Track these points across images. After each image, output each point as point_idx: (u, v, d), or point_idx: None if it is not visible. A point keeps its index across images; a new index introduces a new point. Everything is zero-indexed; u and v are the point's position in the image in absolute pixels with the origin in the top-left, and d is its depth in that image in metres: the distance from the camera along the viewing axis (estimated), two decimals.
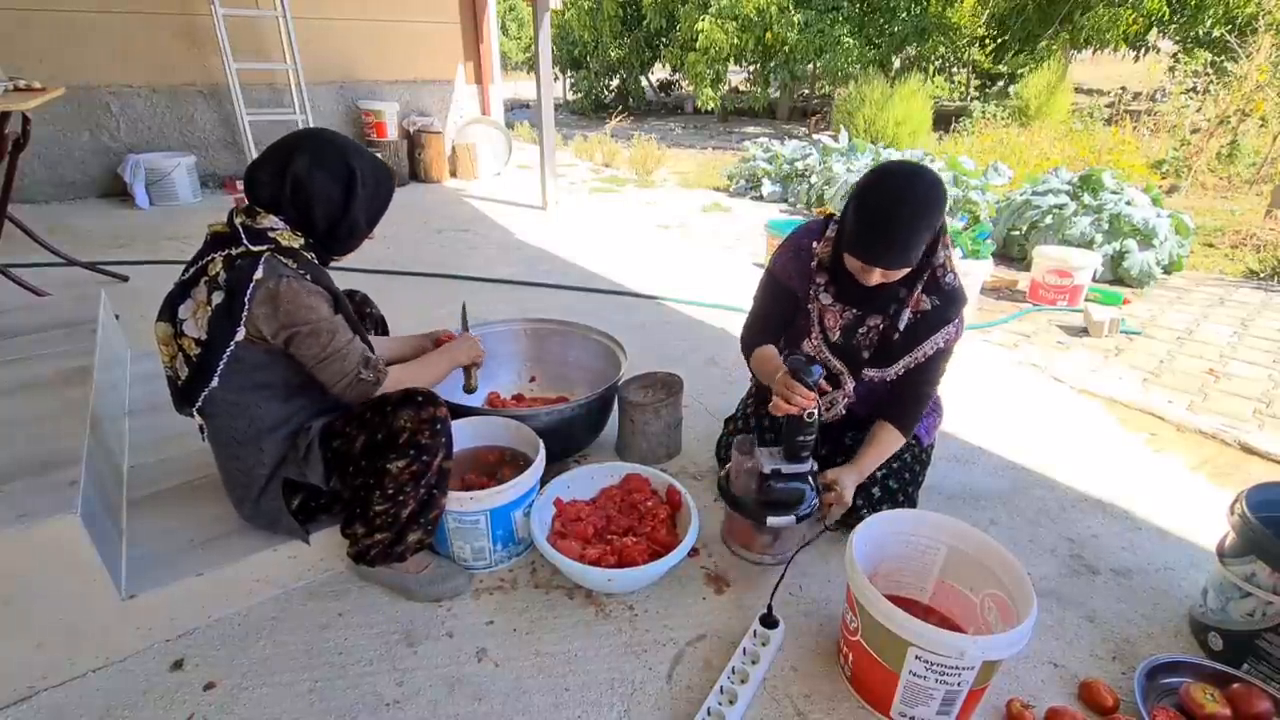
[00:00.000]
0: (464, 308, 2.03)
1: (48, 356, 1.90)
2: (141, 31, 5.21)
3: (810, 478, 1.58)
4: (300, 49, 5.43)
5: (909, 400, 1.65)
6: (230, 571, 1.52)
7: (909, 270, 1.47)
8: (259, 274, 1.29)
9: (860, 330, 1.64)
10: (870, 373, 1.65)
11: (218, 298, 1.30)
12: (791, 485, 1.55)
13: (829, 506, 1.59)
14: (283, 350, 1.36)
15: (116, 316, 2.56)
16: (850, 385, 1.69)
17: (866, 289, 1.53)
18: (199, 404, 1.38)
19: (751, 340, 1.78)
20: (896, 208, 1.38)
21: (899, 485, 1.75)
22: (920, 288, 1.55)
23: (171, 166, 5.20)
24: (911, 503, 1.80)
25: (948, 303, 1.56)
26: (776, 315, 1.75)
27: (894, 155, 5.56)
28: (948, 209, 1.47)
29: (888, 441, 1.65)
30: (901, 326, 1.57)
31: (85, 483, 1.36)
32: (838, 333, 1.66)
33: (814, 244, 1.64)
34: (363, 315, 1.80)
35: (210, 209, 5.18)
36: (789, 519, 1.52)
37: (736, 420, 2.01)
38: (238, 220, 1.34)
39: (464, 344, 1.76)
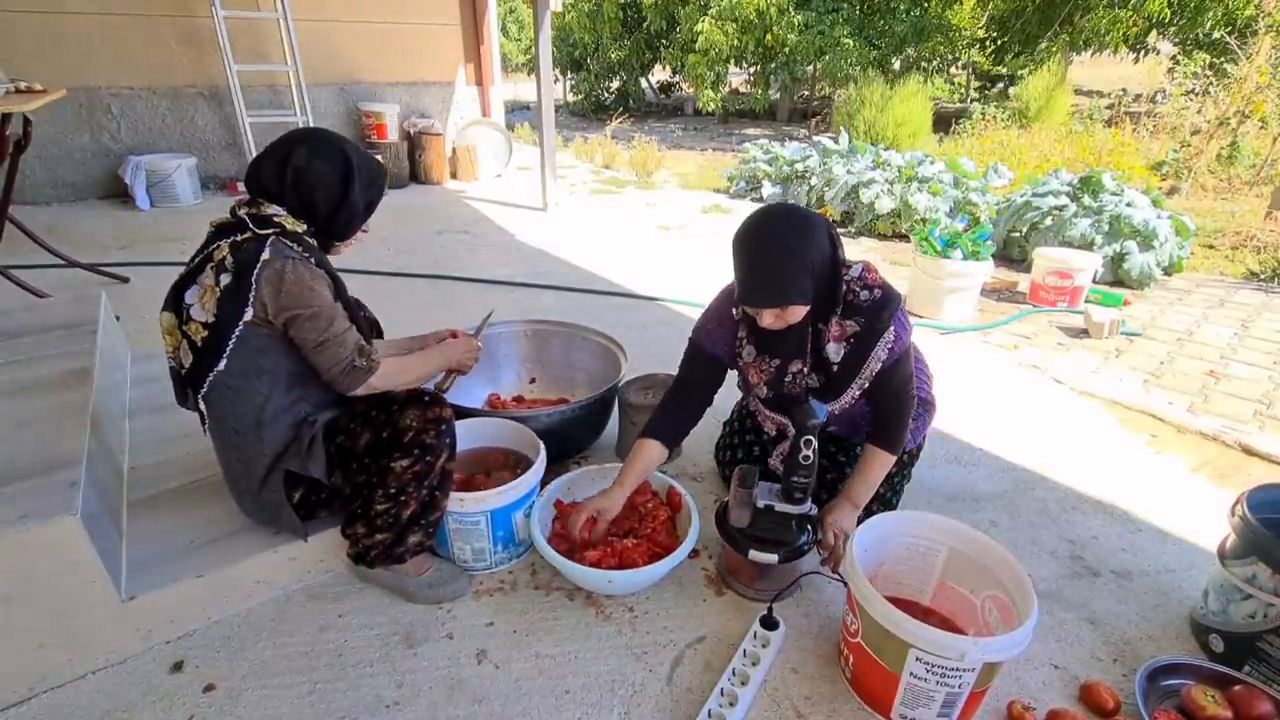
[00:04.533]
0: (488, 315, 2.05)
1: (48, 358, 1.90)
2: (142, 33, 5.21)
3: (808, 523, 1.58)
4: (301, 51, 5.44)
5: (887, 417, 1.60)
6: (230, 573, 1.52)
7: (805, 308, 1.44)
8: (266, 254, 1.33)
9: (786, 379, 1.61)
10: (827, 407, 1.61)
11: (226, 280, 1.33)
12: (782, 525, 1.54)
13: (833, 555, 1.58)
14: (283, 333, 1.38)
15: (117, 318, 2.56)
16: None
17: (777, 335, 1.52)
18: (204, 390, 1.38)
19: (649, 423, 1.68)
20: (760, 248, 1.41)
21: None
22: (836, 319, 1.50)
23: (172, 168, 5.21)
24: (888, 505, 1.80)
25: (873, 316, 1.49)
26: (695, 385, 1.71)
27: (894, 156, 5.56)
28: (828, 239, 1.45)
29: (875, 464, 1.61)
30: (837, 359, 1.53)
31: (85, 484, 1.36)
32: (765, 389, 1.64)
33: (734, 310, 1.63)
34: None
35: (211, 210, 5.10)
36: (771, 557, 1.51)
37: (732, 423, 2.01)
38: (241, 211, 1.38)
39: (462, 347, 1.77)
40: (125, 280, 3.58)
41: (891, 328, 1.50)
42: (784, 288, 1.39)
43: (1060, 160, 6.52)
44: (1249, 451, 2.31)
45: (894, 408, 1.59)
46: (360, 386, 1.43)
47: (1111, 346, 3.21)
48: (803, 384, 1.60)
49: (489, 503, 1.58)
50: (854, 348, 1.52)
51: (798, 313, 1.44)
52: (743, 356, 1.66)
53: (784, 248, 1.39)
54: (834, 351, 1.53)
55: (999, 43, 12.98)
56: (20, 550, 1.23)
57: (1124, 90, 13.40)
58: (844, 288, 1.49)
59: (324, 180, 1.40)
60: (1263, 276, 4.25)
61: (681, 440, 1.74)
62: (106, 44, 5.10)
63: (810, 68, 12.93)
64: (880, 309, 1.49)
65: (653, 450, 1.65)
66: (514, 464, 1.87)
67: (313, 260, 1.39)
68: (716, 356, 1.68)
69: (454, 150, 6.74)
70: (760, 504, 1.56)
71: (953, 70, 15.09)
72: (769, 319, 1.45)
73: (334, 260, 1.51)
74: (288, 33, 5.34)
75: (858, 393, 1.58)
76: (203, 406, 1.43)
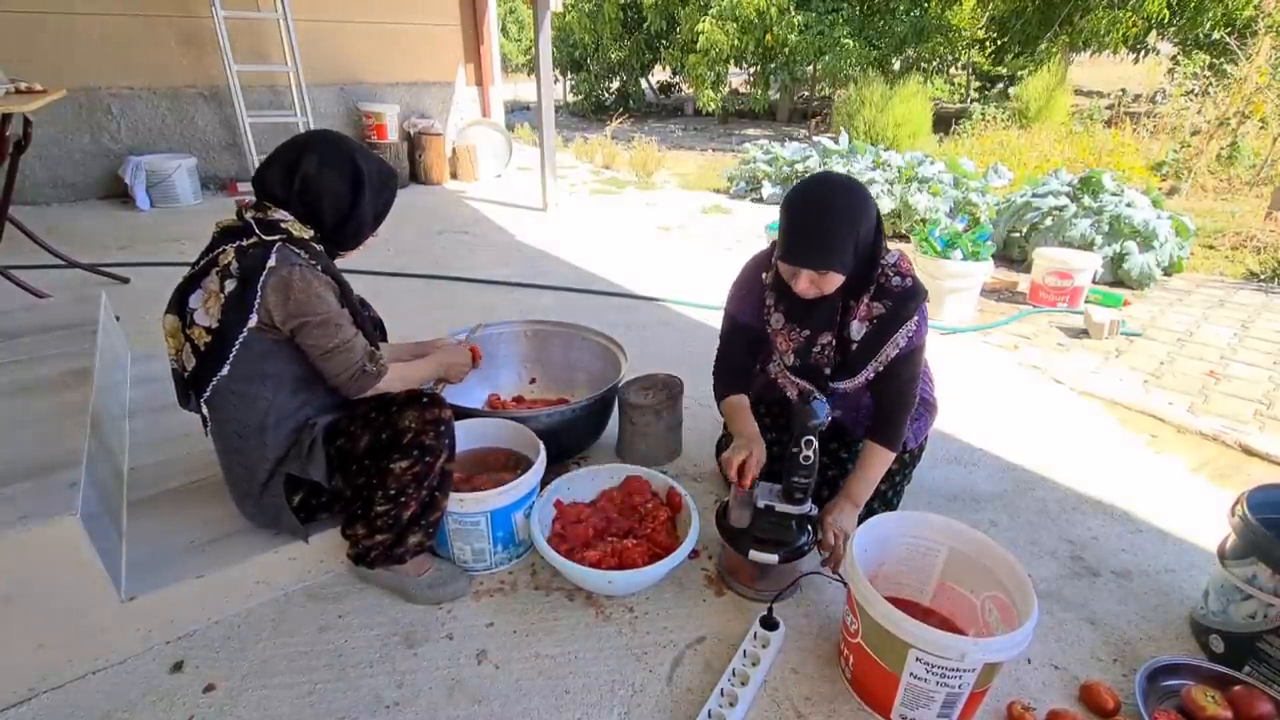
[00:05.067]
0: (476, 327, 2.06)
1: (48, 358, 1.90)
2: (142, 33, 5.21)
3: (808, 523, 1.57)
4: (301, 51, 5.44)
5: (890, 411, 1.63)
6: (230, 573, 1.52)
7: (842, 279, 1.45)
8: (272, 261, 1.32)
9: (814, 350, 1.63)
10: (838, 385, 1.65)
11: (230, 286, 1.32)
12: (782, 525, 1.54)
13: (833, 555, 1.57)
14: (289, 339, 1.38)
15: (117, 318, 2.56)
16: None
17: (809, 305, 1.55)
18: (206, 394, 1.38)
19: (720, 387, 1.79)
20: (813, 208, 1.43)
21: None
22: (866, 298, 1.54)
23: (172, 168, 5.21)
24: (889, 505, 1.80)
25: (900, 303, 1.53)
26: (738, 355, 1.77)
27: (894, 157, 5.56)
28: (875, 216, 1.47)
29: (876, 461, 1.63)
30: (858, 337, 1.56)
31: (86, 484, 1.36)
32: (792, 356, 1.66)
33: (763, 275, 1.67)
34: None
35: (211, 211, 5.18)
36: (772, 558, 1.51)
37: None
38: (248, 215, 1.37)
39: (456, 356, 1.78)
40: (125, 281, 3.58)
41: (915, 318, 1.54)
42: (831, 251, 1.41)
43: (1060, 160, 6.52)
44: (1249, 451, 2.31)
45: (897, 402, 1.61)
46: (368, 391, 1.44)
47: (1111, 347, 3.21)
48: (829, 356, 1.62)
49: (489, 503, 1.58)
50: (875, 329, 1.56)
51: (834, 281, 1.45)
52: (770, 323, 1.68)
53: (838, 211, 1.41)
54: (856, 330, 1.56)
55: (999, 43, 12.98)
56: (20, 550, 1.23)
57: (1124, 90, 13.39)
58: (878, 270, 1.52)
59: (331, 189, 1.39)
60: (1263, 277, 4.25)
61: (748, 389, 1.79)
62: (106, 44, 5.10)
63: (810, 68, 12.93)
64: (909, 298, 1.53)
65: (743, 399, 1.73)
66: (514, 464, 1.87)
67: (319, 266, 1.38)
68: (749, 324, 1.72)
69: (454, 150, 6.75)
70: (760, 504, 1.56)
71: (953, 70, 15.08)
72: (805, 283, 1.46)
73: (337, 262, 1.51)
74: (288, 33, 5.34)
75: (871, 375, 1.60)
76: (205, 410, 1.42)
